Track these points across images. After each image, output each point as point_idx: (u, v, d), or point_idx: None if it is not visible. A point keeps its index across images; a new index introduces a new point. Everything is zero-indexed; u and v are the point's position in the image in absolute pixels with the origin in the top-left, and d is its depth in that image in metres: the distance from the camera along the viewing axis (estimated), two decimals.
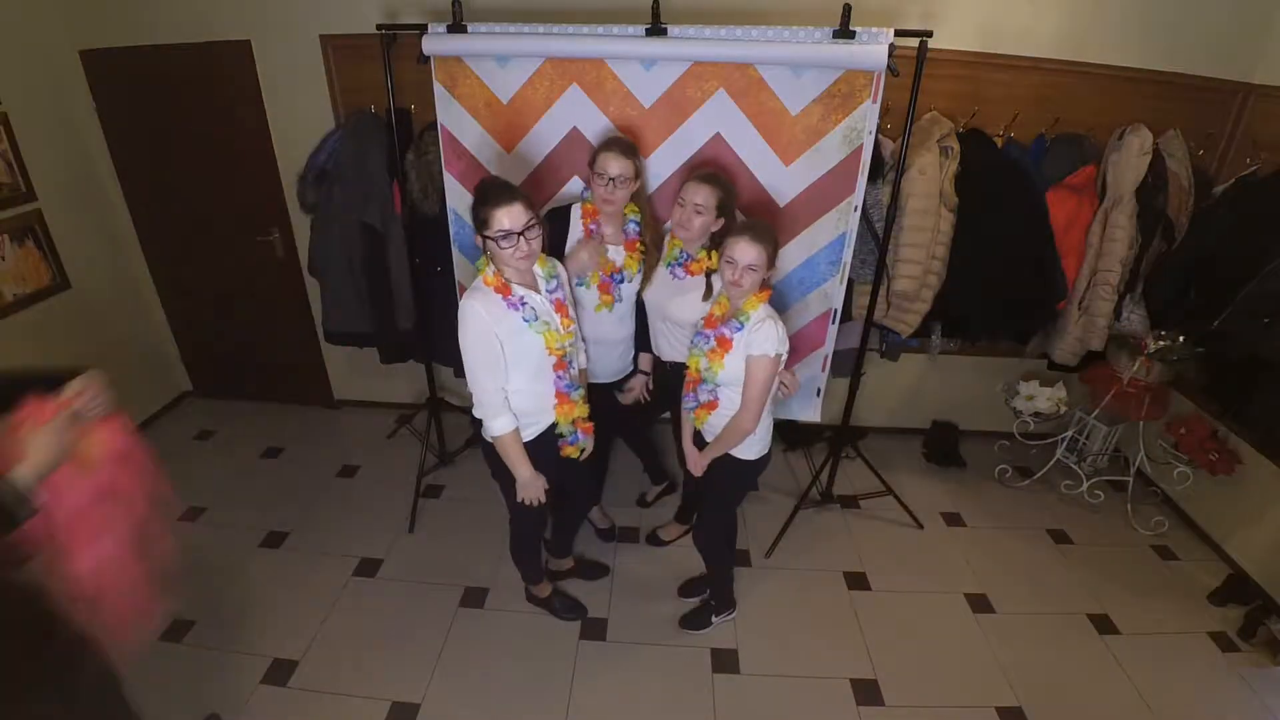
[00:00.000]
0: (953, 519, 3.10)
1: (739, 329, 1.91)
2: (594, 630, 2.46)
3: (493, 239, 1.75)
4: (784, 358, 1.94)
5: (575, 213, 2.25)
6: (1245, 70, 2.77)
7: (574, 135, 2.43)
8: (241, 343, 3.71)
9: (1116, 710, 2.24)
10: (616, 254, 2.25)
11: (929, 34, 2.17)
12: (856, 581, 2.72)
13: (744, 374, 1.93)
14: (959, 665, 2.38)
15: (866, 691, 2.26)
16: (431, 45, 2.34)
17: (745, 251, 1.83)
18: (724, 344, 1.94)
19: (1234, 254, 2.55)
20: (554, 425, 2.03)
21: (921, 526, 3.03)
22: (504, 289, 1.81)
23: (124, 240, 3.44)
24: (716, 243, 2.13)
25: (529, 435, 1.97)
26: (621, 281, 2.26)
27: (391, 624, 2.46)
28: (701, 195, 2.09)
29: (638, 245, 2.28)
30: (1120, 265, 2.68)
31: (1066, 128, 2.76)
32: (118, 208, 3.38)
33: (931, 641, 2.47)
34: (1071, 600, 2.67)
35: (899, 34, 2.14)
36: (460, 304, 1.81)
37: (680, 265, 2.23)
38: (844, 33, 2.15)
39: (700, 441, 2.17)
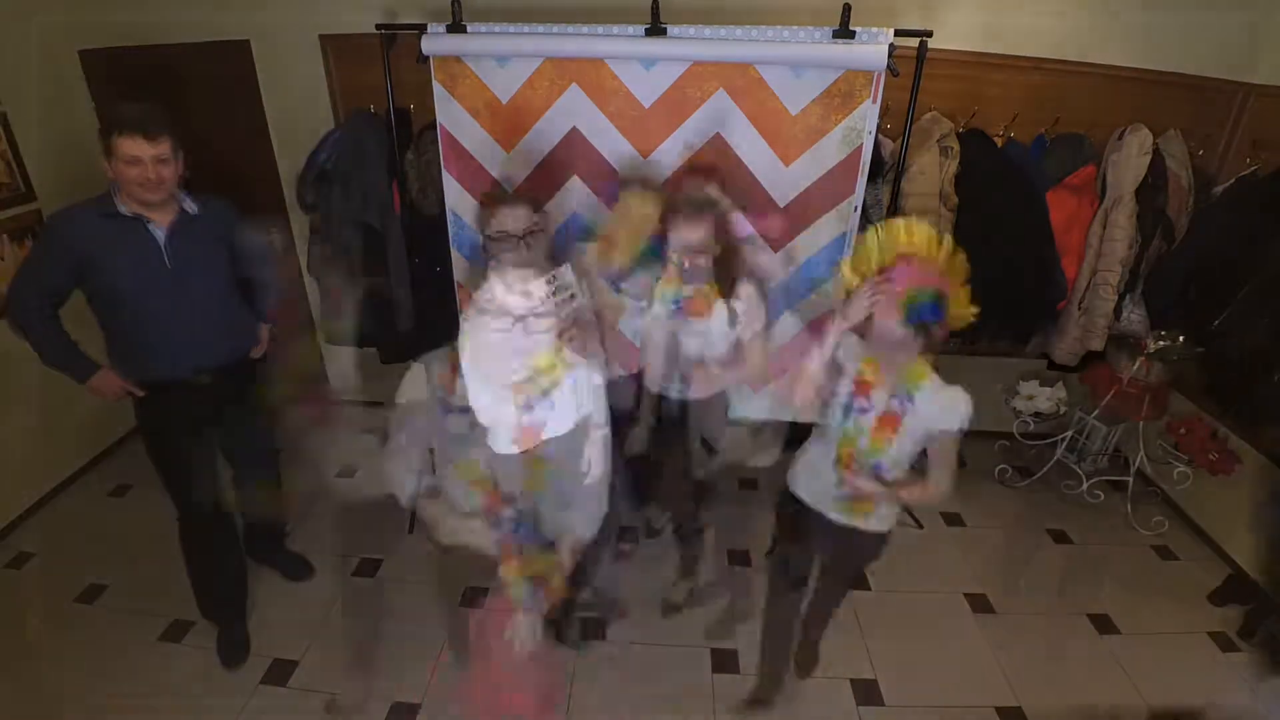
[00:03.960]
0: (953, 519, 3.10)
1: (908, 401, 1.56)
2: (594, 630, 2.46)
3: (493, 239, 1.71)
4: None
5: None
6: (1245, 70, 2.77)
7: (574, 135, 2.42)
8: None
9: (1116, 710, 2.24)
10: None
11: (929, 34, 2.18)
12: (857, 581, 2.71)
13: (922, 449, 1.61)
14: (959, 665, 2.37)
15: (866, 691, 2.26)
16: (431, 45, 2.34)
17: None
18: (891, 422, 1.57)
19: (1234, 254, 2.55)
20: None
21: (921, 526, 3.03)
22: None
23: None
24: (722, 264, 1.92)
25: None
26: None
27: (391, 624, 2.46)
28: (698, 234, 1.83)
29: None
30: (1120, 265, 2.68)
31: (1066, 128, 2.76)
32: None
33: (931, 641, 2.47)
34: (1071, 600, 2.66)
35: (899, 34, 2.14)
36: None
37: (678, 306, 1.96)
38: (844, 32, 2.15)
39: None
